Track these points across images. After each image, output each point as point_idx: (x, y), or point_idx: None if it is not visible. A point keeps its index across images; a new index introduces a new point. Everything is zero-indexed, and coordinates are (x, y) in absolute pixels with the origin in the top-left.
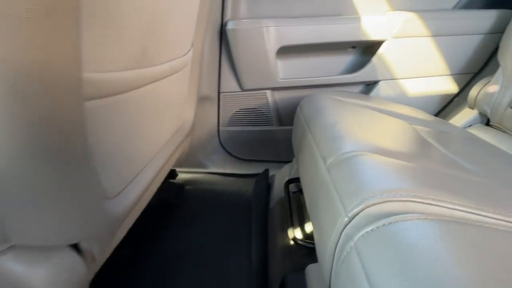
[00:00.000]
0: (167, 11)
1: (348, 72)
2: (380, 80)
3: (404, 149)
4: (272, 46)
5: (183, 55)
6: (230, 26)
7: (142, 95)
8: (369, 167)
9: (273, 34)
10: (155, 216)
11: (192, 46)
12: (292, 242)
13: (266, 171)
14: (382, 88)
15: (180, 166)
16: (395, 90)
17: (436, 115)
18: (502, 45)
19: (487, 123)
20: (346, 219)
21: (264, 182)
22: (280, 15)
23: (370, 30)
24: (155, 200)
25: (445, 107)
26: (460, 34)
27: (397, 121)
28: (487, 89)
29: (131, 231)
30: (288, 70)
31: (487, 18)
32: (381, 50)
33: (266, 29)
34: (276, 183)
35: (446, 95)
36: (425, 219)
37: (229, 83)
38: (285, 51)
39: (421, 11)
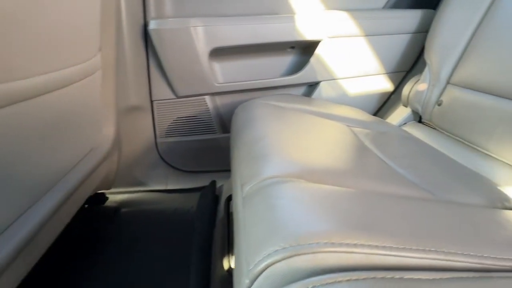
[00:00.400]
0: (28, 11)
1: (290, 73)
2: (321, 81)
3: (337, 163)
4: (203, 48)
5: (85, 62)
6: (152, 26)
7: (19, 114)
8: (287, 200)
9: (203, 35)
10: (84, 249)
11: (100, 50)
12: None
13: (213, 182)
14: (323, 89)
15: (110, 187)
16: (336, 90)
17: (376, 113)
18: (427, 44)
19: (420, 120)
20: (247, 281)
21: (210, 196)
22: (211, 13)
23: (306, 30)
24: (84, 231)
25: (383, 105)
26: (390, 34)
27: (335, 126)
28: (417, 87)
29: (52, 272)
30: (228, 74)
31: (414, 17)
32: (318, 51)
33: (194, 29)
34: (224, 195)
35: (383, 94)
36: (340, 281)
37: (161, 90)
38: (221, 53)
39: (353, 11)
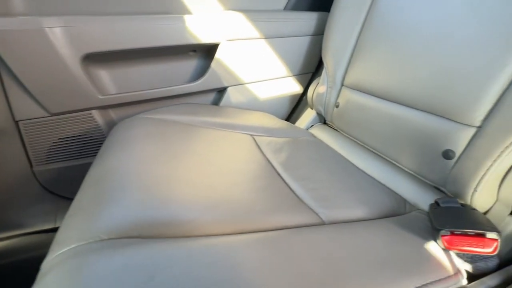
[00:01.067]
0: None
1: (195, 79)
2: (227, 87)
3: (204, 200)
4: (71, 53)
5: None
6: None
7: None
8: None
9: (68, 38)
10: None
11: None
12: None
13: None
14: (232, 95)
15: None
16: (245, 95)
17: (288, 116)
18: (323, 46)
19: (325, 121)
20: None
21: None
22: (81, 11)
23: (201, 32)
24: None
25: (295, 108)
26: (291, 36)
27: (234, 138)
28: (318, 89)
29: None
30: (122, 83)
31: (311, 20)
32: (218, 55)
33: (51, 30)
34: None
35: (293, 96)
36: None
37: (26, 107)
38: (105, 59)
39: (253, 12)
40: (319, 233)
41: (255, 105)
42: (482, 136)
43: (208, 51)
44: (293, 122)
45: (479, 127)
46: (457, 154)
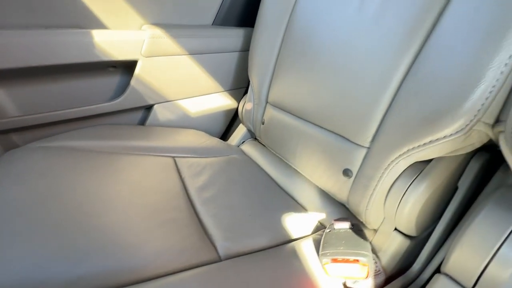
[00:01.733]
0: None
1: (115, 97)
2: (154, 104)
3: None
4: None
5: None
6: None
7: None
8: None
9: None
10: None
11: None
12: None
13: None
14: (159, 113)
15: None
16: (175, 113)
17: (224, 132)
18: (249, 63)
19: (256, 137)
20: None
21: None
22: None
23: (114, 49)
24: None
25: (230, 123)
26: (220, 52)
27: (154, 162)
28: (246, 106)
29: None
30: (28, 103)
31: (240, 36)
32: (138, 71)
33: None
34: None
35: (227, 112)
36: None
37: None
38: (6, 76)
39: (178, 26)
40: (212, 273)
41: (186, 123)
42: (371, 156)
43: (129, 67)
44: (227, 138)
45: (368, 148)
46: (354, 173)
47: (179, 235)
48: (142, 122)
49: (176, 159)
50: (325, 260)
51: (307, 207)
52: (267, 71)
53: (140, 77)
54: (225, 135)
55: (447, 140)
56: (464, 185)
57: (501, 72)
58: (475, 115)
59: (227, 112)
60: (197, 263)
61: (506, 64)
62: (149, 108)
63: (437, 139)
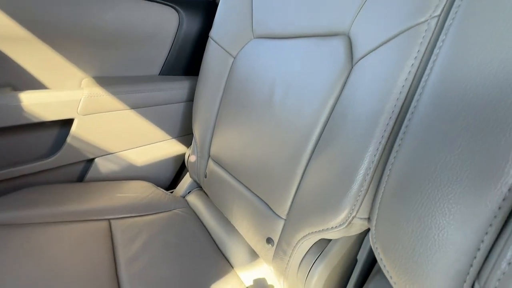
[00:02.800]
0: None
1: (48, 155)
2: (94, 158)
3: None
4: None
5: None
6: None
7: None
8: None
9: None
10: None
11: None
12: None
13: None
14: (100, 166)
15: None
16: (118, 164)
17: (172, 180)
18: (193, 114)
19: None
20: None
21: None
22: None
23: (47, 110)
24: None
25: (181, 169)
26: (165, 104)
27: (83, 230)
28: (190, 158)
29: None
30: None
31: (185, 86)
32: (74, 129)
33: None
34: None
35: (176, 158)
36: None
37: None
38: None
39: (121, 79)
40: None
41: (132, 173)
42: (286, 229)
43: (65, 123)
44: (177, 185)
45: (285, 220)
46: (275, 243)
47: None
48: (82, 176)
49: (112, 221)
50: None
51: (239, 270)
52: (208, 126)
53: (77, 134)
54: (175, 181)
55: (334, 230)
56: (362, 258)
57: (368, 174)
58: (350, 213)
59: (176, 158)
60: None
61: (373, 162)
62: (90, 160)
63: (327, 228)
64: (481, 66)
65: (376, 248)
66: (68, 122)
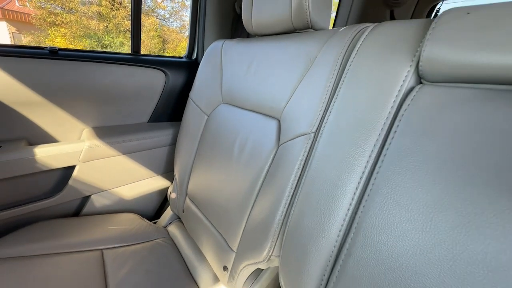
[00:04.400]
0: None
1: (51, 195)
2: (90, 195)
3: None
4: None
5: None
6: None
7: None
8: None
9: None
10: None
11: None
12: None
13: None
14: (96, 201)
15: None
16: (111, 199)
17: (157, 211)
18: (175, 156)
19: None
20: None
21: None
22: None
23: (54, 160)
24: None
25: (163, 203)
26: (152, 148)
27: (79, 260)
28: (171, 195)
29: None
30: None
31: (169, 132)
32: (75, 173)
33: None
34: None
35: (161, 191)
36: None
37: None
38: None
39: (117, 128)
40: None
41: (122, 207)
42: (235, 260)
43: (67, 168)
44: (160, 215)
45: (236, 252)
46: (229, 270)
47: None
48: (79, 210)
49: (104, 251)
50: None
51: None
52: (186, 169)
53: (77, 177)
54: (159, 212)
55: (262, 263)
56: None
57: (281, 220)
58: (269, 252)
59: (160, 192)
60: None
61: (283, 213)
62: (86, 197)
63: (257, 262)
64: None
65: (280, 277)
66: (71, 168)
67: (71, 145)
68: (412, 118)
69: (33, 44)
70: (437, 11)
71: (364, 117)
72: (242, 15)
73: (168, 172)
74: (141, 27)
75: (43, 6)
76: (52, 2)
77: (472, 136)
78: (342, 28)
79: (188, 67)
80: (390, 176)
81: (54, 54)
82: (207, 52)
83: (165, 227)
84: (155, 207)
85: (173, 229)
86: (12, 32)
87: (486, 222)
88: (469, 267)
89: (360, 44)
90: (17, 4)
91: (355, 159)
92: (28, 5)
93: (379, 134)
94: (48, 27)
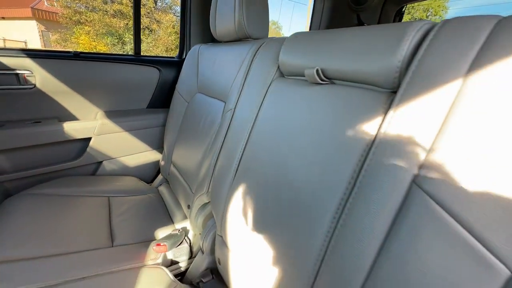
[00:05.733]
0: None
1: (74, 159)
2: (102, 161)
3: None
4: None
5: None
6: None
7: None
8: None
9: None
10: None
11: None
12: None
13: None
14: (106, 166)
15: None
16: (118, 165)
17: (154, 177)
18: (164, 135)
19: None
20: None
21: None
22: None
23: (76, 132)
24: None
25: (158, 171)
26: (149, 127)
27: (94, 201)
28: (161, 162)
29: None
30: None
31: (163, 116)
32: (91, 143)
33: None
34: None
35: (155, 163)
36: None
37: None
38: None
39: (122, 112)
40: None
41: (126, 172)
42: (194, 201)
43: (86, 139)
44: (154, 180)
45: (193, 193)
46: (191, 208)
47: (96, 244)
48: (95, 172)
49: (110, 198)
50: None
51: (177, 224)
52: (172, 143)
53: (93, 146)
54: (154, 177)
55: (204, 194)
56: None
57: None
58: (207, 187)
59: (155, 163)
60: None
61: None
62: (99, 162)
63: (201, 194)
64: None
65: (211, 206)
66: (88, 139)
67: (89, 123)
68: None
69: (60, 40)
70: (402, 14)
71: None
72: (210, 25)
73: (160, 148)
74: (160, 25)
75: (69, 6)
76: (77, 1)
77: (288, 102)
78: (266, 40)
79: (177, 65)
80: None
81: (77, 56)
82: (188, 54)
83: (157, 187)
84: (150, 174)
85: (162, 188)
86: (42, 31)
87: None
88: None
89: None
90: (46, 3)
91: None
92: (55, 5)
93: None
94: (74, 25)
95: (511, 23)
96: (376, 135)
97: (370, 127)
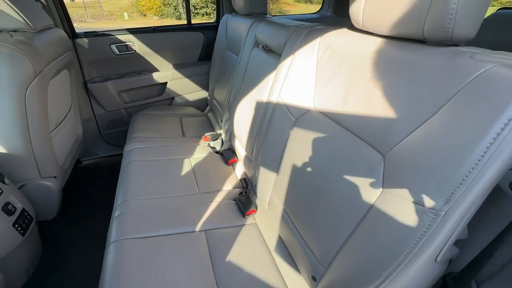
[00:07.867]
0: None
1: (159, 94)
2: (174, 96)
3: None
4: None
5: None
6: None
7: None
8: None
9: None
10: None
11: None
12: None
13: None
14: (177, 99)
15: None
16: (183, 99)
17: (204, 108)
18: (209, 81)
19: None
20: None
21: None
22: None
23: (159, 78)
24: None
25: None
26: (200, 75)
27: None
28: (208, 97)
29: None
30: (133, 94)
31: (207, 66)
32: (168, 85)
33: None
34: None
35: (204, 100)
36: None
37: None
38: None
39: (184, 64)
40: None
41: (188, 104)
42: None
43: (164, 83)
44: (203, 110)
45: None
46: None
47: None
48: (170, 103)
49: (181, 118)
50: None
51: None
52: (213, 84)
53: (169, 87)
54: (205, 108)
55: None
56: None
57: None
58: None
59: (205, 98)
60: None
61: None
62: (172, 98)
63: None
64: None
65: None
66: (165, 83)
67: (165, 72)
68: None
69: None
70: None
71: None
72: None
73: (207, 88)
74: None
75: None
76: None
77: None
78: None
79: (214, 29)
80: None
81: (155, 30)
82: (220, 22)
83: (206, 114)
84: (202, 105)
85: (210, 114)
86: None
87: None
88: None
89: None
90: None
91: None
92: None
93: None
94: None
95: None
96: None
97: None
